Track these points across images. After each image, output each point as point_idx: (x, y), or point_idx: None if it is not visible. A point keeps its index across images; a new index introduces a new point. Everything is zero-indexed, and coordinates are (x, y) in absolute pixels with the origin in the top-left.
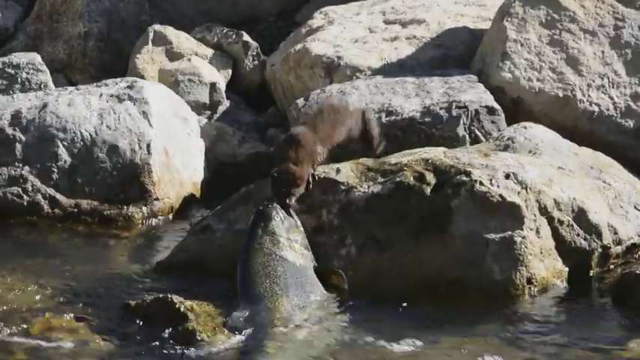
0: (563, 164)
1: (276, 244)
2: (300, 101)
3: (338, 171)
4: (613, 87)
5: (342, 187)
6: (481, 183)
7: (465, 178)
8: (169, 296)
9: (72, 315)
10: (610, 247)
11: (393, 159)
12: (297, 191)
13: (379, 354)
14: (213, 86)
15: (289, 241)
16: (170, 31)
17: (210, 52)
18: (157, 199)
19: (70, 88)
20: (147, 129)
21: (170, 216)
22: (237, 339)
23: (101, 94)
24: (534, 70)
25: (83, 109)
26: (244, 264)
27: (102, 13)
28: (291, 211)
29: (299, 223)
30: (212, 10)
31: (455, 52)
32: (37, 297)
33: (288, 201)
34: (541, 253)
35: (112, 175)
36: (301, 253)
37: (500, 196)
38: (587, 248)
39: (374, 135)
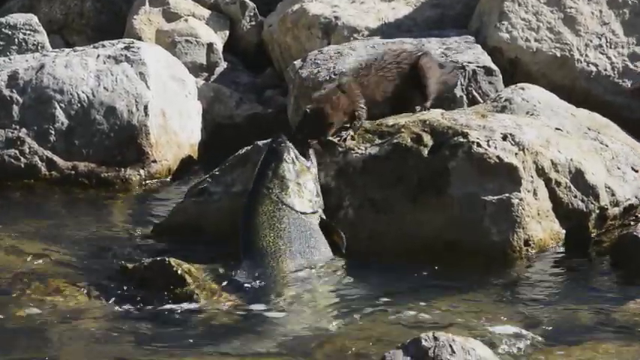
0: (560, 125)
1: (285, 190)
2: (298, 62)
3: None
4: (610, 47)
5: (340, 149)
6: (478, 144)
7: (462, 140)
8: (167, 259)
9: (70, 277)
10: (607, 209)
11: (390, 120)
12: (323, 134)
13: (376, 316)
14: (210, 47)
15: (298, 186)
16: None
17: (207, 12)
18: (154, 161)
19: (67, 50)
20: (144, 90)
21: (168, 178)
22: (236, 302)
23: (98, 56)
24: (532, 30)
25: (80, 71)
26: (249, 210)
27: None
28: (307, 152)
29: (313, 165)
30: None
31: (452, 11)
32: (35, 260)
33: (309, 141)
34: (538, 214)
35: (109, 137)
36: (309, 199)
37: (498, 157)
38: (585, 210)
39: (427, 86)
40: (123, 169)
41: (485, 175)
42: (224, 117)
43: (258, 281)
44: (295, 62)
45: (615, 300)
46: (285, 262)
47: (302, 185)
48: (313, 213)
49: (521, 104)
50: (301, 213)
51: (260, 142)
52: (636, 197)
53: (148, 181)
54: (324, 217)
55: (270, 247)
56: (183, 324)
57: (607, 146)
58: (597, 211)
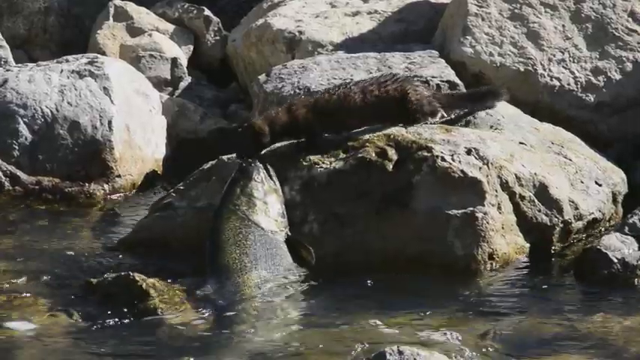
0: (524, 139)
1: (252, 207)
2: (262, 77)
3: None
4: (574, 61)
5: (304, 163)
6: (443, 159)
7: (426, 154)
8: (131, 274)
9: (33, 293)
10: (571, 223)
11: (354, 135)
12: (257, 150)
13: (341, 330)
14: (174, 62)
15: (265, 205)
16: (131, 7)
17: (171, 27)
18: (118, 175)
19: (31, 65)
20: (108, 105)
21: (132, 193)
22: (201, 316)
23: (62, 70)
24: (495, 44)
25: (44, 86)
26: (216, 227)
27: None
28: (272, 174)
29: (278, 186)
30: None
31: (416, 26)
32: None
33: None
34: (502, 228)
35: (73, 152)
36: (275, 219)
37: (462, 171)
38: (549, 224)
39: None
40: (87, 184)
41: (450, 189)
42: (188, 131)
43: (223, 296)
44: (260, 77)
45: (579, 313)
46: (250, 278)
47: (269, 204)
48: (279, 231)
49: (485, 118)
50: (267, 230)
51: (225, 157)
52: (599, 211)
53: (112, 196)
54: (290, 234)
55: (236, 264)
56: (147, 339)
57: (571, 160)
58: (561, 225)
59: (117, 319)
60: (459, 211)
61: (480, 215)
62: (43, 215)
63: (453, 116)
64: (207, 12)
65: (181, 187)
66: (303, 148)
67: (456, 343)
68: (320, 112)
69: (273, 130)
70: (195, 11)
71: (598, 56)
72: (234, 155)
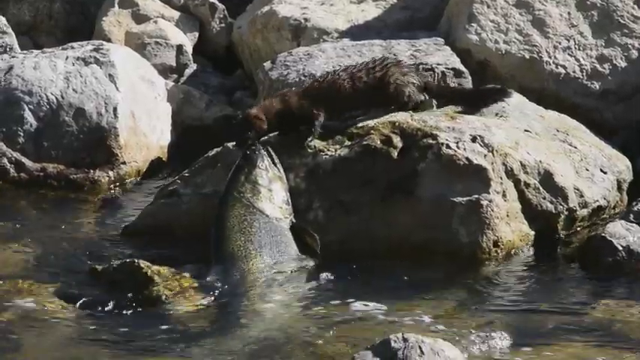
0: (529, 127)
1: (256, 195)
2: (267, 64)
3: None
4: (579, 49)
5: (309, 151)
6: (447, 146)
7: (431, 141)
8: (136, 260)
9: (39, 279)
10: (576, 210)
11: (359, 122)
12: (255, 138)
13: (345, 318)
14: (179, 49)
15: (270, 192)
16: None
17: (176, 14)
18: (123, 162)
19: (36, 51)
20: (113, 92)
21: (137, 179)
22: (206, 302)
23: (67, 57)
24: (501, 32)
25: (49, 72)
26: (221, 214)
27: None
28: (276, 161)
29: (283, 173)
30: None
31: (421, 13)
32: (4, 262)
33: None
34: (507, 216)
35: (78, 139)
36: (280, 206)
37: (467, 159)
38: (554, 211)
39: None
40: (92, 171)
41: (455, 176)
42: (194, 119)
43: (228, 283)
44: (265, 64)
45: (584, 301)
46: (255, 265)
47: (274, 191)
48: (284, 218)
49: (491, 106)
50: (272, 217)
51: (229, 144)
52: (604, 199)
53: (117, 183)
54: (294, 221)
55: (241, 251)
56: (152, 325)
57: (576, 148)
58: (566, 213)
59: (122, 306)
60: (464, 199)
61: (485, 203)
62: (48, 202)
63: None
64: None
65: (186, 174)
66: (304, 136)
67: (461, 331)
68: (312, 100)
69: (269, 118)
70: None
71: (603, 44)
72: (233, 144)
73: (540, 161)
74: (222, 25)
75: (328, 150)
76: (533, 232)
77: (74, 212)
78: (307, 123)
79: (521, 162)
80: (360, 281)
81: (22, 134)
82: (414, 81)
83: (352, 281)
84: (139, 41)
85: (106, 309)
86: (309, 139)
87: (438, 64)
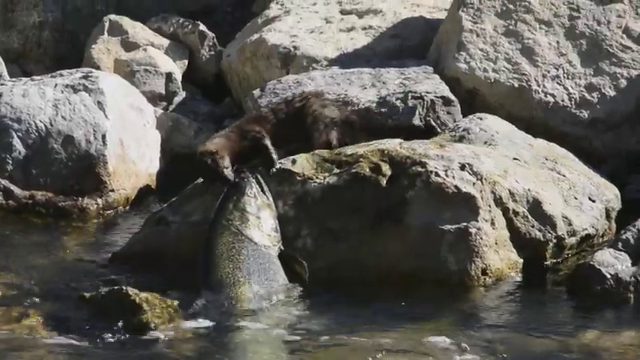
0: (518, 155)
1: (245, 222)
2: (256, 92)
3: (294, 162)
4: (568, 78)
5: (298, 178)
6: (436, 174)
7: (420, 169)
8: (124, 287)
9: (26, 306)
10: (564, 238)
11: (349, 150)
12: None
13: (334, 344)
14: (169, 76)
15: (258, 220)
16: (126, 21)
17: (166, 42)
18: (112, 190)
19: (25, 79)
20: (102, 120)
21: (126, 207)
22: (194, 330)
23: (56, 85)
24: (490, 60)
25: (38, 100)
26: (210, 242)
27: (57, 2)
28: (265, 189)
29: (271, 200)
30: None
31: (411, 42)
32: None
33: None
34: (496, 244)
35: (67, 166)
36: (268, 234)
37: (456, 187)
38: (542, 239)
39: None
40: (80, 199)
41: (443, 204)
42: (183, 146)
43: (216, 311)
44: (254, 92)
45: (572, 328)
46: (243, 293)
47: (262, 219)
48: (272, 246)
49: (480, 134)
50: (260, 245)
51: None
52: (593, 227)
53: (105, 211)
54: (283, 249)
55: (229, 278)
56: (140, 353)
57: (564, 176)
58: (554, 241)
59: (109, 333)
60: (453, 227)
61: (473, 230)
62: (36, 229)
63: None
64: (202, 27)
65: (175, 202)
66: (267, 165)
67: (450, 358)
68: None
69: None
70: (190, 26)
71: (592, 72)
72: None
73: (529, 189)
74: (212, 52)
75: (317, 178)
76: (521, 260)
77: (62, 239)
78: (259, 151)
79: (509, 190)
80: (349, 309)
81: (10, 161)
82: (332, 115)
83: (341, 309)
84: (128, 69)
85: (93, 336)
86: (273, 163)
87: (427, 93)
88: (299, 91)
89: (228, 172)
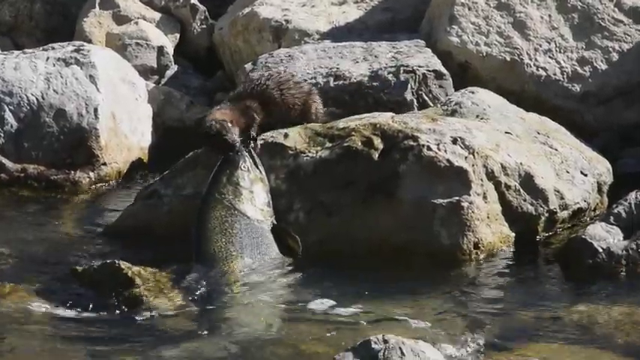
0: (510, 129)
1: (238, 196)
2: (248, 65)
3: (286, 136)
4: (560, 51)
5: (290, 152)
6: (428, 148)
7: (412, 143)
8: (117, 261)
9: (18, 280)
10: (556, 212)
11: (341, 124)
12: (227, 147)
13: (327, 318)
14: (160, 50)
15: (251, 194)
16: None
17: (157, 15)
18: (104, 163)
19: (17, 52)
20: (94, 93)
21: (118, 181)
22: (186, 304)
23: (48, 58)
24: (482, 34)
25: (30, 73)
26: (202, 215)
27: None
28: (258, 162)
29: (264, 174)
30: None
31: (402, 15)
32: None
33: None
34: (488, 218)
35: (58, 140)
36: (261, 208)
37: (448, 160)
38: (534, 213)
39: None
40: (72, 172)
41: (435, 178)
42: (174, 120)
43: (208, 285)
44: (246, 65)
45: (564, 302)
46: (236, 267)
47: (255, 193)
48: (265, 220)
49: (472, 108)
50: (253, 219)
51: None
52: (585, 201)
53: (97, 184)
54: (275, 223)
55: (222, 252)
56: (132, 327)
57: (556, 150)
58: (546, 215)
59: (102, 307)
60: (445, 201)
61: (465, 204)
62: (28, 203)
63: None
64: (193, 0)
65: (167, 175)
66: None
67: (441, 332)
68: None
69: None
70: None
71: (584, 46)
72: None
73: (521, 163)
74: (204, 26)
75: (309, 151)
76: (513, 234)
77: (54, 213)
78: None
79: (501, 164)
80: (341, 282)
81: (2, 135)
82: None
83: (333, 283)
84: (120, 42)
85: (86, 310)
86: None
87: (419, 66)
88: (291, 64)
89: (237, 142)
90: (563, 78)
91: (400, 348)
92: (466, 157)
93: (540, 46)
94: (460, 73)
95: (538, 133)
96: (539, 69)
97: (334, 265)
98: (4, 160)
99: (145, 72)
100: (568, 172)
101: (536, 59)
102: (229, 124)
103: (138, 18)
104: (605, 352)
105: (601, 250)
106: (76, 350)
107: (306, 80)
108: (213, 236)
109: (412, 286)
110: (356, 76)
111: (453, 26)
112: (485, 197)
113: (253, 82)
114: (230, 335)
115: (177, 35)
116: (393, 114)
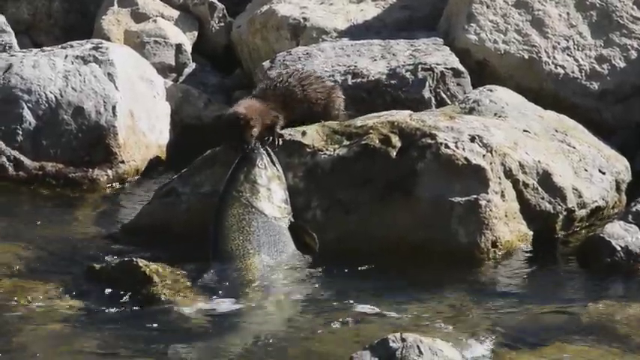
0: (528, 127)
1: (255, 194)
2: (266, 63)
3: (304, 134)
4: (578, 49)
5: (308, 150)
6: (446, 146)
7: (430, 141)
8: (134, 259)
9: (36, 278)
10: (574, 211)
11: (358, 122)
12: (244, 140)
13: (344, 316)
14: (178, 48)
15: (269, 192)
16: None
17: (176, 13)
18: (122, 161)
19: (35, 50)
20: (112, 91)
21: (136, 179)
22: (204, 303)
23: (66, 56)
24: (500, 32)
25: (48, 71)
26: (220, 213)
27: None
28: (275, 160)
29: (282, 172)
30: None
31: (420, 13)
32: (1, 260)
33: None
34: (506, 216)
35: (77, 138)
36: (278, 205)
37: (466, 159)
38: (552, 211)
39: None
40: (90, 170)
41: (453, 176)
42: (192, 118)
43: (226, 283)
44: (264, 63)
45: (582, 301)
46: (253, 264)
47: (272, 191)
48: (282, 218)
49: (489, 106)
50: (271, 217)
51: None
52: (603, 199)
53: (115, 182)
54: (293, 220)
55: (239, 250)
56: (149, 325)
57: (574, 148)
58: (564, 213)
59: (120, 305)
60: (463, 199)
61: (483, 203)
62: (46, 200)
63: None
64: None
65: (185, 173)
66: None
67: (459, 331)
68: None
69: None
70: None
71: (602, 44)
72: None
73: (539, 161)
74: (222, 24)
75: (327, 149)
76: (531, 232)
77: (72, 211)
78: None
79: (519, 162)
80: (358, 281)
81: (20, 132)
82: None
83: (350, 281)
84: (138, 40)
85: (103, 308)
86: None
87: (437, 64)
88: (309, 62)
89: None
90: (582, 76)
91: (418, 346)
92: (484, 155)
93: (558, 43)
94: (478, 70)
95: (556, 131)
96: (558, 67)
97: (351, 263)
98: (23, 158)
99: (163, 70)
100: (586, 170)
101: (554, 57)
102: (253, 120)
103: (156, 16)
104: (625, 351)
105: (619, 249)
106: (93, 347)
107: None
108: (230, 234)
109: (429, 284)
110: (374, 74)
111: (471, 24)
112: (503, 195)
113: (275, 79)
114: (248, 333)
115: (196, 33)
116: (411, 112)
